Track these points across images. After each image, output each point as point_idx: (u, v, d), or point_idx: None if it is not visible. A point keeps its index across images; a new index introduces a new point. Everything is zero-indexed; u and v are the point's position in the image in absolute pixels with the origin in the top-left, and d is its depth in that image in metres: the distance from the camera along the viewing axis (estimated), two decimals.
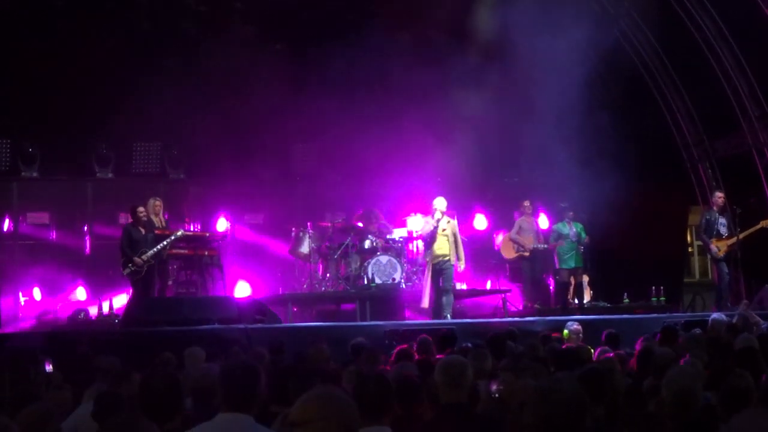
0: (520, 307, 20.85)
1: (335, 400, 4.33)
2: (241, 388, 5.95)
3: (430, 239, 18.33)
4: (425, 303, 18.39)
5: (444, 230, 18.21)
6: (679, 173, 24.15)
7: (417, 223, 19.11)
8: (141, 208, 17.80)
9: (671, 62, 23.62)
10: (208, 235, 20.12)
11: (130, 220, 18.03)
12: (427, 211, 19.09)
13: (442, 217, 18.22)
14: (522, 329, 15.03)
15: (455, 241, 18.38)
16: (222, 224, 21.77)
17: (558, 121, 20.76)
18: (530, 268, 21.28)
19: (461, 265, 18.52)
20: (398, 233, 21.16)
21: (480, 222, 23.21)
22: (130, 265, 17.36)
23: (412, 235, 20.96)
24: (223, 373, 6.28)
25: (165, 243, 17.77)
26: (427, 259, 18.51)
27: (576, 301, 20.72)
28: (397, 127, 21.00)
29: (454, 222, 18.63)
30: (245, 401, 5.95)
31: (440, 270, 18.30)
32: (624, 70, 22.75)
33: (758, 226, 20.07)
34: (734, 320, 14.15)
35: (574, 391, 4.81)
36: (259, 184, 22.52)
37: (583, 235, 20.53)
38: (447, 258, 18.25)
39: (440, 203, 18.30)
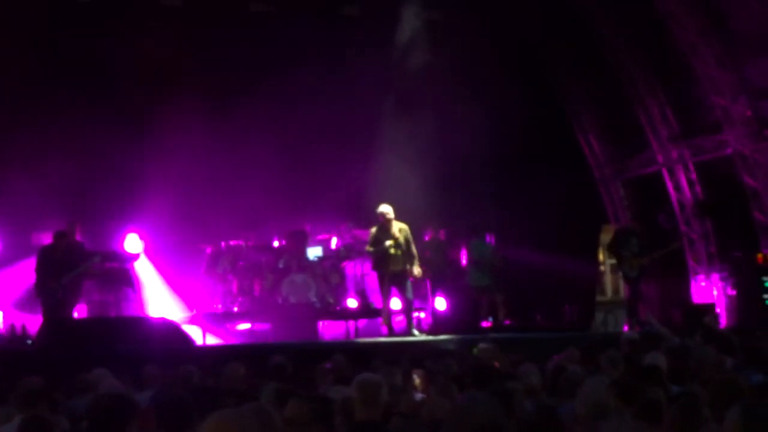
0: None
1: (248, 420, 4.35)
2: (106, 422, 5.58)
3: (384, 253, 17.26)
4: (388, 321, 17.79)
5: (396, 238, 17.25)
6: (591, 192, 24.39)
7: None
8: (59, 231, 17.55)
9: (582, 80, 23.89)
10: (121, 254, 19.88)
11: (49, 242, 17.73)
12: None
13: (392, 225, 17.30)
14: (435, 348, 15.14)
15: (409, 247, 17.46)
16: (135, 242, 21.47)
17: (466, 142, 20.93)
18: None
19: (417, 271, 17.59)
20: (313, 252, 21.08)
21: None
22: (45, 288, 17.08)
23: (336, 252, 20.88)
24: (90, 404, 5.93)
25: (81, 268, 17.50)
26: (380, 272, 17.56)
27: (490, 319, 20.80)
28: (318, 142, 21.02)
29: (405, 227, 17.52)
30: None
31: (400, 282, 17.45)
32: (535, 88, 22.93)
33: (670, 248, 20.40)
34: (638, 336, 14.26)
35: (490, 409, 4.84)
36: (173, 201, 22.22)
37: (491, 254, 20.63)
38: (403, 268, 17.41)
39: (388, 209, 17.37)
